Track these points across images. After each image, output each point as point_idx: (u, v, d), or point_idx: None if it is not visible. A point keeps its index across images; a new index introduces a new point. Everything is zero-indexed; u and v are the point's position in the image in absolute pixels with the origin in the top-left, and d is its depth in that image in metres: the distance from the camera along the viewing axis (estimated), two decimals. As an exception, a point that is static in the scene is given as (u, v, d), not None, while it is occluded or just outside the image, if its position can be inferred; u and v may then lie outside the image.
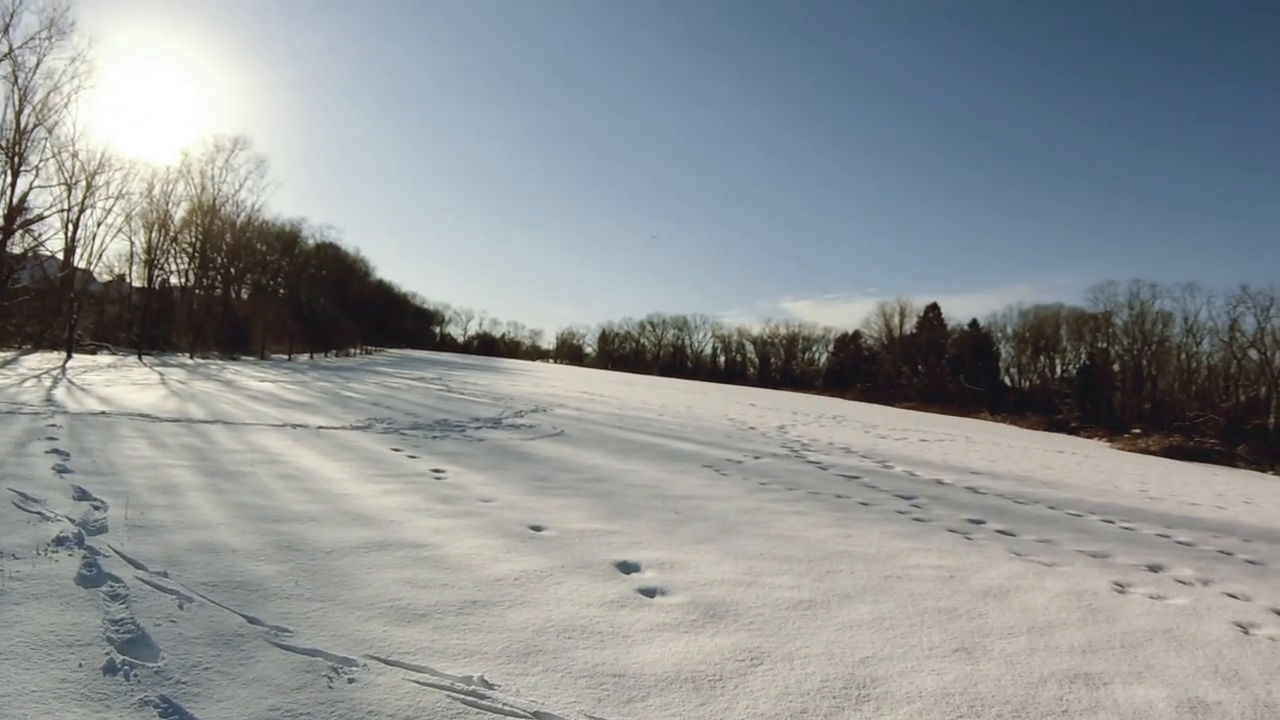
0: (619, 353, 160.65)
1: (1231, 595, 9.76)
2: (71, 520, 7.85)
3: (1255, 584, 10.56)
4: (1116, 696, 5.86)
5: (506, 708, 4.78)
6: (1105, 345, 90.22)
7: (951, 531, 11.96)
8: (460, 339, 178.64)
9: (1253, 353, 73.83)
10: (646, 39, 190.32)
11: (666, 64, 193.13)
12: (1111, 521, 14.58)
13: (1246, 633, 8.14)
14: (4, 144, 40.72)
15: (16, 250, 43.21)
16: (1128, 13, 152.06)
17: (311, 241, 76.09)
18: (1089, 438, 67.18)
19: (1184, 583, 10.15)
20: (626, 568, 8.10)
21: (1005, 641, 6.82)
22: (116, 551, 6.94)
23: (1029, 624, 7.43)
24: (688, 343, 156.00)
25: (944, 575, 9.06)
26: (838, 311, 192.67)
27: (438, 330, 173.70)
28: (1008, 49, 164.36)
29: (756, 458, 19.26)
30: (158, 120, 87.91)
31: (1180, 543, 13.28)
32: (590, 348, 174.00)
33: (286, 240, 69.90)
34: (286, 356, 62.42)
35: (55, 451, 11.72)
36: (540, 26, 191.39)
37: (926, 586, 8.48)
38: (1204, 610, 8.81)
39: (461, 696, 4.87)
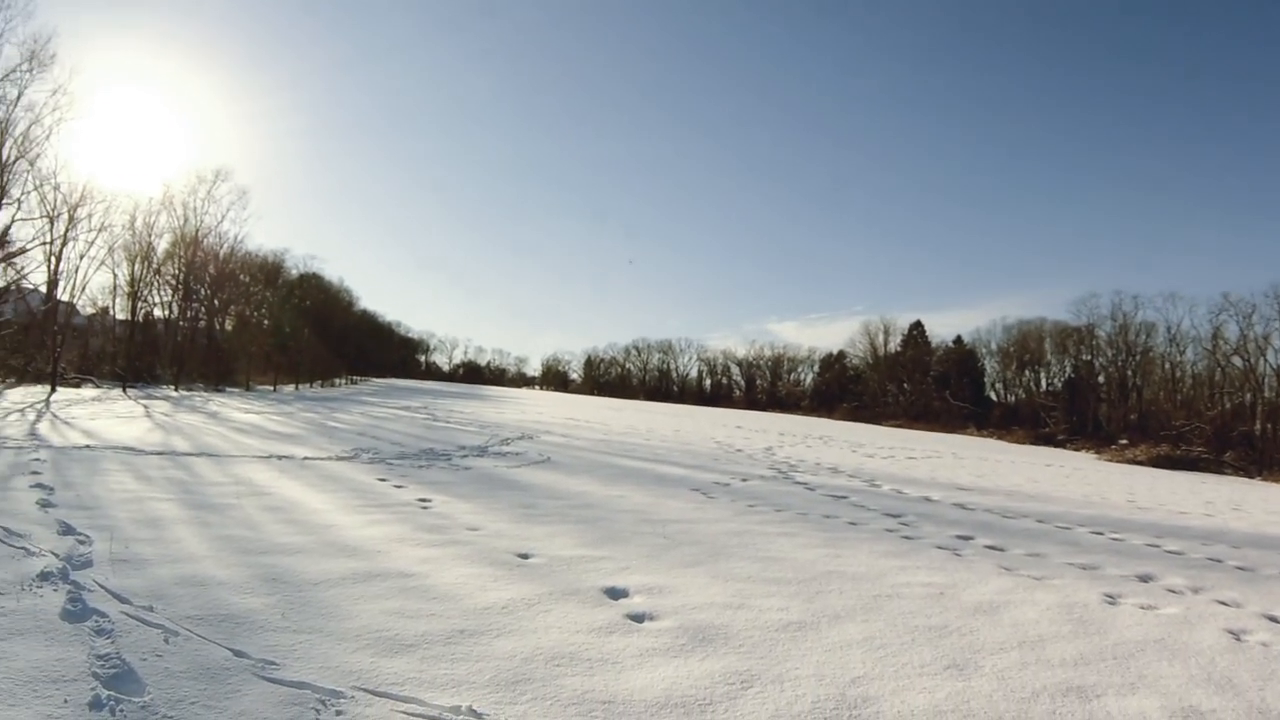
0: (605, 378, 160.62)
1: (1222, 602, 9.75)
2: (56, 555, 7.80)
3: (1245, 590, 10.57)
4: (1110, 708, 5.83)
5: (496, 736, 4.75)
6: (1090, 358, 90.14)
7: (940, 548, 11.94)
8: (445, 367, 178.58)
9: (1236, 360, 73.82)
10: (626, 58, 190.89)
11: (648, 81, 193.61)
12: (1100, 533, 14.59)
13: (1238, 639, 8.13)
14: (-15, 176, 40.72)
15: (-1, 284, 43.15)
16: (1105, 25, 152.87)
17: (295, 272, 75.90)
18: (1076, 450, 67.34)
19: (1174, 592, 10.14)
20: (615, 593, 8.06)
21: (996, 657, 6.79)
22: (101, 586, 6.89)
23: (1020, 639, 7.40)
24: (673, 366, 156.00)
25: (934, 592, 9.02)
26: (823, 331, 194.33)
27: (423, 359, 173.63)
28: (990, 68, 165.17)
29: (744, 480, 19.24)
30: (141, 147, 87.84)
31: (1170, 552, 13.31)
32: (576, 374, 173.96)
33: (269, 271, 69.69)
34: (271, 387, 62.29)
35: (39, 486, 11.66)
36: (529, 53, 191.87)
37: (916, 604, 8.44)
38: (1195, 619, 8.79)
39: (451, 726, 4.84)
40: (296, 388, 67.69)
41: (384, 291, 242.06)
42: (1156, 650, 7.42)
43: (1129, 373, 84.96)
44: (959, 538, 12.98)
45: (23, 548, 8.06)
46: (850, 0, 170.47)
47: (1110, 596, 9.49)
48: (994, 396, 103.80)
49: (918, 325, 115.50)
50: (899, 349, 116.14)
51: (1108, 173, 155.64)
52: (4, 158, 40.83)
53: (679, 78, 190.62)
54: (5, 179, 40.97)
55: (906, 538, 12.65)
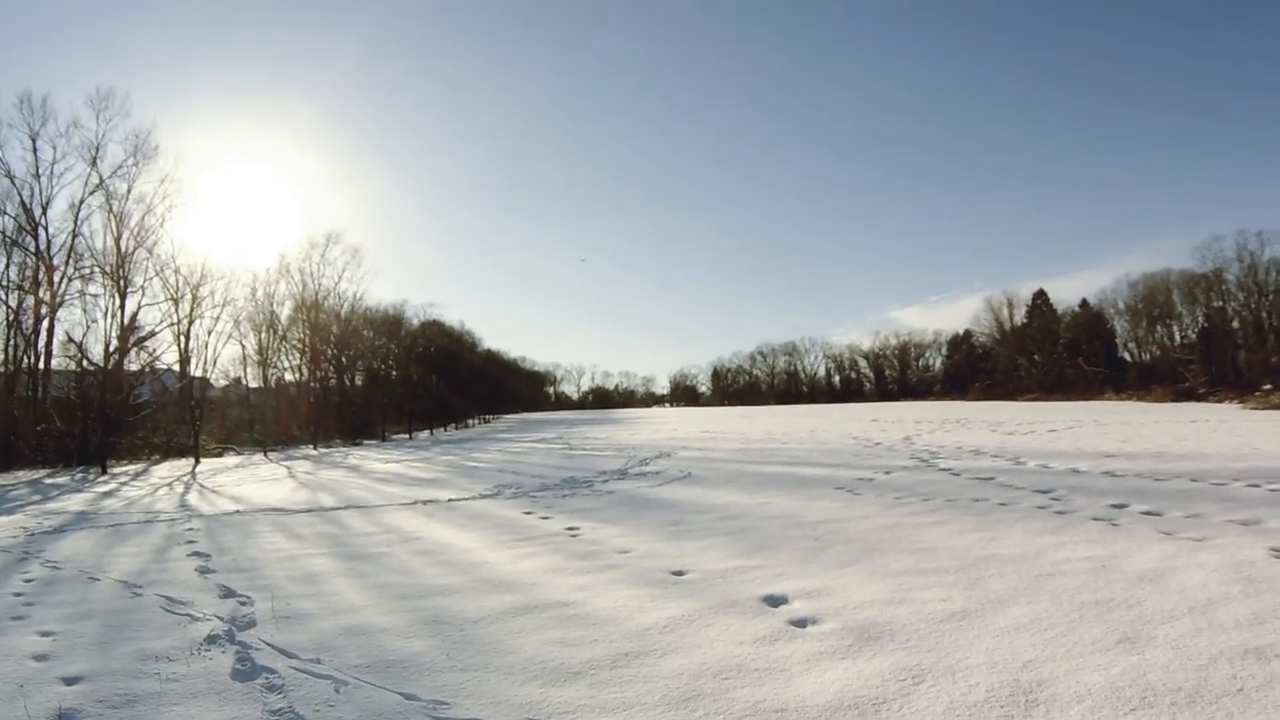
0: (733, 387, 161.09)
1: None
2: (220, 618, 8.00)
3: None
4: (1292, 667, 5.63)
5: (673, 755, 4.71)
6: (1221, 304, 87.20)
7: (1096, 520, 11.67)
8: (575, 396, 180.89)
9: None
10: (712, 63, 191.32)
11: (731, 78, 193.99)
12: (1257, 485, 14.18)
13: None
14: (109, 269, 42.38)
15: (134, 368, 44.73)
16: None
17: (415, 321, 77.14)
18: (1219, 402, 65.75)
19: (1346, 538, 9.79)
20: (774, 601, 7.99)
21: (1168, 626, 6.58)
22: (267, 644, 7.03)
23: (1189, 604, 7.17)
24: (800, 367, 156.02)
25: (1095, 566, 8.81)
26: (946, 313, 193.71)
27: (551, 390, 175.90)
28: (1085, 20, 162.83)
29: (887, 473, 19.08)
30: (253, 221, 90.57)
31: (1334, 496, 12.86)
32: (704, 387, 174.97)
33: (391, 324, 70.97)
34: (407, 435, 63.42)
35: (196, 554, 12.00)
36: (622, 83, 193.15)
37: (1079, 580, 8.24)
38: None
39: (628, 748, 4.82)
40: (431, 433, 68.74)
41: (505, 330, 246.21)
42: (1335, 601, 7.16)
43: (1264, 314, 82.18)
44: (1113, 507, 12.69)
45: (188, 614, 8.28)
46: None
47: (1277, 551, 9.18)
48: (1128, 357, 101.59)
49: (1041, 294, 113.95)
50: (1025, 321, 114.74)
51: (1212, 111, 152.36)
52: (123, 249, 42.76)
53: (759, 75, 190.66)
54: (127, 269, 42.70)
55: (1060, 513, 12.42)
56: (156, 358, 47.12)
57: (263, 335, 56.49)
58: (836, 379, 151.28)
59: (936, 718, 5.02)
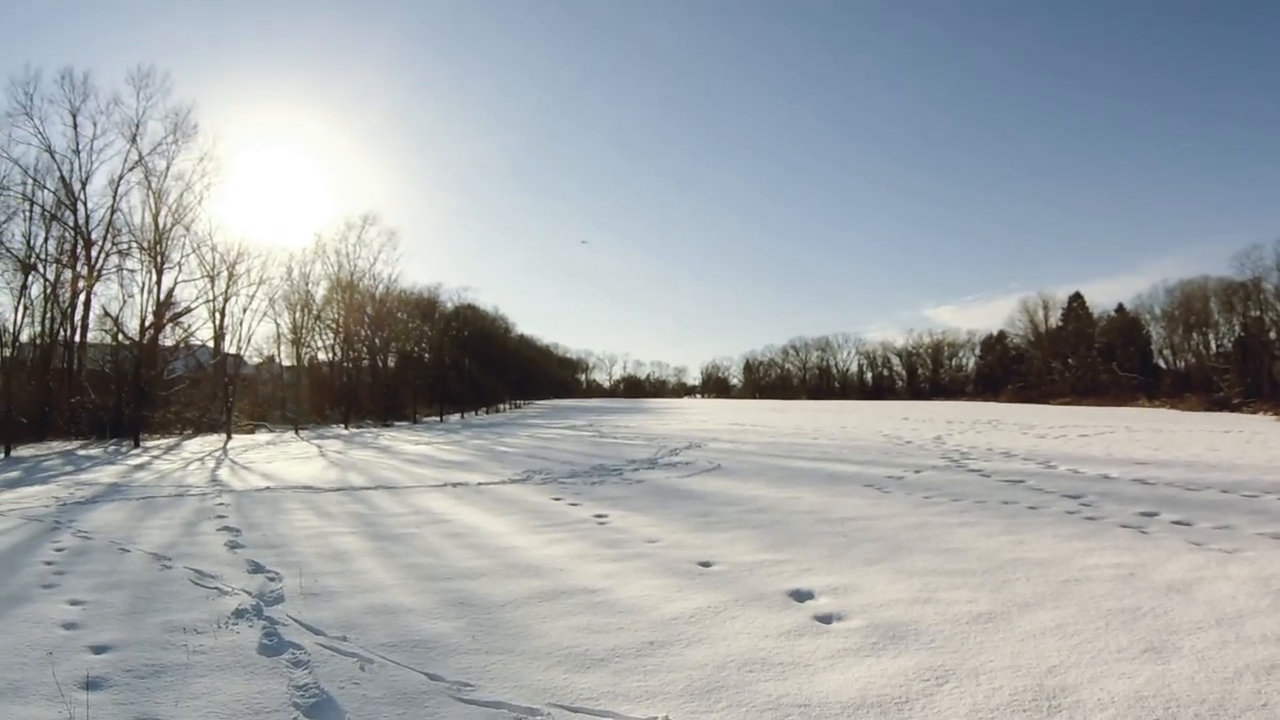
0: (765, 381, 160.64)
1: None
2: (248, 593, 8.05)
3: None
4: (1319, 685, 5.58)
5: (695, 745, 4.71)
6: (1259, 313, 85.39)
7: (1125, 527, 11.60)
8: (606, 384, 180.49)
9: None
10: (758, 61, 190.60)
11: (776, 79, 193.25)
12: (1290, 499, 14.02)
13: None
14: (146, 245, 42.68)
15: (169, 343, 45.02)
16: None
17: (450, 305, 77.34)
18: (1253, 413, 64.78)
19: (1379, 558, 9.69)
20: (800, 596, 7.97)
21: (1194, 637, 6.53)
22: (295, 620, 7.06)
23: (1217, 616, 7.11)
24: (832, 363, 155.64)
25: (1123, 574, 8.74)
26: (980, 313, 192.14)
27: (583, 378, 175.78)
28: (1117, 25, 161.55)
29: (917, 472, 19.04)
30: (291, 201, 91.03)
31: (1368, 516, 12.70)
32: (736, 379, 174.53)
33: (425, 306, 71.16)
34: (438, 418, 63.40)
35: (226, 529, 12.06)
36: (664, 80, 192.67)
37: (1107, 587, 8.18)
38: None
39: (649, 737, 4.82)
40: (462, 416, 68.79)
41: (539, 315, 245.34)
42: (1364, 620, 7.09)
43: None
44: (1143, 515, 12.60)
45: (216, 588, 8.33)
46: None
47: (1307, 566, 9.11)
48: (1162, 364, 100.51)
49: (1077, 297, 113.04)
50: (1060, 324, 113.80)
51: (1253, 116, 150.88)
52: (161, 225, 42.99)
53: (815, 73, 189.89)
54: (164, 245, 43.03)
55: (1089, 519, 12.34)
56: (191, 334, 47.57)
57: (297, 314, 56.88)
58: (868, 376, 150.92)
59: (959, 719, 5.01)
